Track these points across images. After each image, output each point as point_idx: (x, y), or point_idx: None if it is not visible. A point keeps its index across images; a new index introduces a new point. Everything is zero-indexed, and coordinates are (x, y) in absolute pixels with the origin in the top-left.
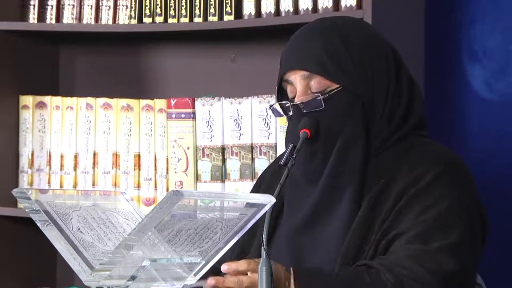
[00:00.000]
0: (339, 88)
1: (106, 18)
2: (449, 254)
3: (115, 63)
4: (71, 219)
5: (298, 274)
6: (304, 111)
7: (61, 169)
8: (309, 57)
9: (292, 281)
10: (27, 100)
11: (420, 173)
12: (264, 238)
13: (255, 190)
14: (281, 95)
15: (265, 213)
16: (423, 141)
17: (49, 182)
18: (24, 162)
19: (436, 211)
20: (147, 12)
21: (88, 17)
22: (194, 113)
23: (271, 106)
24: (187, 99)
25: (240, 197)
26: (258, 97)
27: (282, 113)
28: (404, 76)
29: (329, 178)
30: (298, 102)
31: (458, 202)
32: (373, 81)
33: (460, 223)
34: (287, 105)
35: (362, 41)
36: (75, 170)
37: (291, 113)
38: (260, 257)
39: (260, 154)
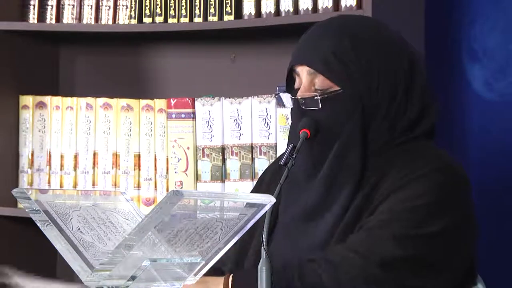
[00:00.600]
0: (339, 91)
1: (106, 18)
2: (392, 242)
3: (115, 63)
4: (71, 219)
5: (234, 276)
6: (303, 107)
7: (61, 169)
8: (317, 56)
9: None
10: (27, 100)
11: (408, 171)
12: (264, 238)
13: (255, 190)
14: (289, 84)
15: (265, 213)
16: (422, 145)
17: (49, 182)
18: (24, 162)
19: (406, 205)
20: (147, 12)
21: (88, 17)
22: (194, 113)
23: (276, 94)
24: (187, 99)
25: (240, 197)
26: (258, 97)
27: (285, 103)
28: (418, 85)
29: (327, 179)
30: (299, 97)
31: (435, 202)
32: (378, 86)
33: (435, 221)
34: (289, 97)
35: (373, 45)
36: (75, 170)
37: (291, 106)
38: (255, 263)
39: (260, 154)
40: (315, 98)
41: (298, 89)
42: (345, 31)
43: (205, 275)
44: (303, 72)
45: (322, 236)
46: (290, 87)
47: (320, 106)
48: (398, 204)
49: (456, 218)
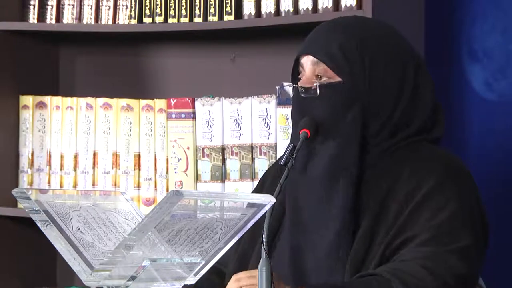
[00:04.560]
0: (339, 82)
1: (106, 18)
2: (460, 258)
3: (115, 63)
4: (71, 219)
5: None
6: (302, 95)
7: (61, 169)
8: (321, 46)
9: None
10: (27, 100)
11: (421, 178)
12: (264, 238)
13: (258, 190)
14: (295, 77)
15: (265, 213)
16: (425, 144)
17: (49, 182)
18: (24, 162)
19: (445, 215)
20: (147, 12)
21: (88, 17)
22: (194, 113)
23: (280, 86)
24: (187, 99)
25: (240, 197)
26: (258, 97)
27: (286, 94)
28: (426, 94)
29: (327, 179)
30: (299, 86)
31: (463, 206)
32: (382, 90)
33: (468, 226)
34: (290, 87)
35: (381, 49)
36: (75, 170)
37: (291, 94)
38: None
39: (260, 154)
40: (314, 85)
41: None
42: (352, 30)
43: (204, 275)
44: (307, 63)
45: (331, 241)
46: (296, 82)
47: (318, 93)
48: (433, 217)
49: (478, 217)
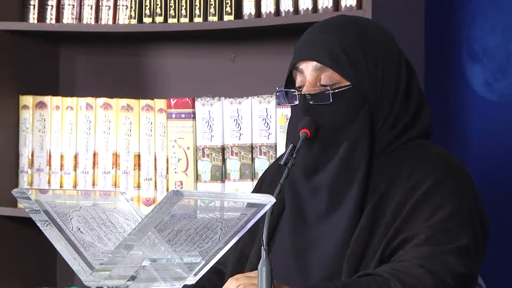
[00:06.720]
0: (349, 86)
1: (106, 18)
2: (458, 257)
3: (115, 63)
4: (71, 219)
5: None
6: (311, 102)
7: (61, 169)
8: (323, 50)
9: None
10: (27, 100)
11: (420, 178)
12: (264, 238)
13: (256, 190)
14: (289, 83)
15: (265, 213)
16: (422, 144)
17: (49, 182)
18: (24, 162)
19: (443, 214)
20: (147, 12)
21: (88, 17)
22: (194, 113)
23: (278, 91)
24: (187, 99)
25: (240, 197)
26: (258, 97)
27: (287, 100)
28: (415, 86)
29: (333, 180)
30: (306, 93)
31: (461, 205)
32: (383, 85)
33: (466, 226)
34: (294, 94)
35: (378, 44)
36: (75, 170)
37: (297, 102)
38: (256, 265)
39: (260, 154)
40: (326, 92)
41: (300, 87)
42: (350, 29)
43: (204, 275)
44: (307, 68)
45: (334, 243)
46: (290, 87)
47: (331, 100)
48: (432, 217)
49: (476, 217)
